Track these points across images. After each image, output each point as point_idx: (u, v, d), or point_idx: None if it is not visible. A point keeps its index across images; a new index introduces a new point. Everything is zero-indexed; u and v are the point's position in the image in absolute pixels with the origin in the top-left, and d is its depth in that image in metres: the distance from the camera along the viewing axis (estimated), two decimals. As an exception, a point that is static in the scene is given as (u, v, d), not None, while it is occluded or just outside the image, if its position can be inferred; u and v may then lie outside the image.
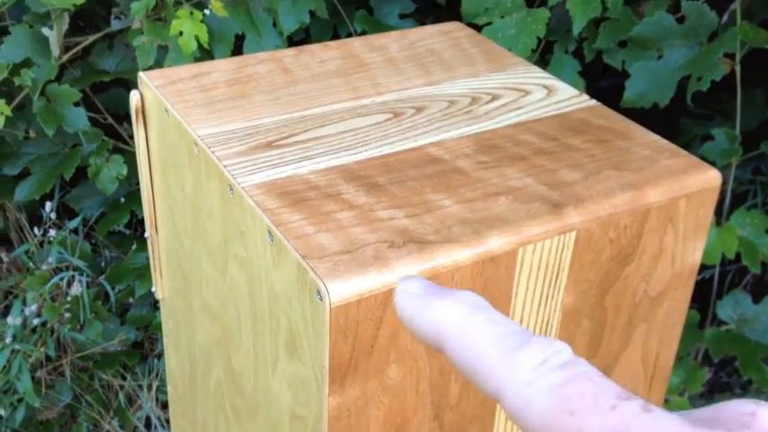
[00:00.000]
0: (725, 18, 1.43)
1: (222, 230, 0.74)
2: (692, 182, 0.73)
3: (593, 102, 0.84)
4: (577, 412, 0.24)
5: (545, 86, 0.87)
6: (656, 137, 0.79)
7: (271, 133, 0.76)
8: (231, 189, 0.69)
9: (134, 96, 0.84)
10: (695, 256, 0.77)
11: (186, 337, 0.93)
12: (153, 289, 0.98)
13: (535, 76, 0.89)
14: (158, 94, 0.80)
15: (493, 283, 0.65)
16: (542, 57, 1.52)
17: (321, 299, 0.58)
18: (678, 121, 1.73)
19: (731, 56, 1.32)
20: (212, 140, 0.74)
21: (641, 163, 0.74)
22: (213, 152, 0.72)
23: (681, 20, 1.37)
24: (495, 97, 0.84)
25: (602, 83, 1.76)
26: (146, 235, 0.94)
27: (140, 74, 0.83)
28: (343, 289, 0.58)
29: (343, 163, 0.72)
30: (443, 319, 0.28)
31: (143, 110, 0.84)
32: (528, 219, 0.66)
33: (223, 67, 0.86)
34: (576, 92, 0.86)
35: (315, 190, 0.68)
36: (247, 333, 0.74)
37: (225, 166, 0.71)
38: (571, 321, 0.72)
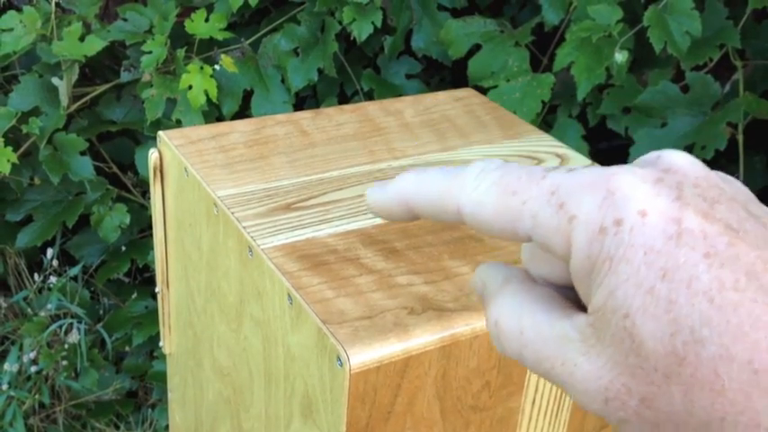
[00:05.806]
0: (727, 87, 1.46)
1: (238, 290, 0.74)
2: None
3: (605, 171, 0.85)
4: (518, 191, 0.28)
5: (557, 155, 0.88)
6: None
7: (290, 195, 0.77)
8: (250, 250, 0.70)
9: (153, 154, 0.85)
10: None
11: (193, 393, 0.92)
12: (161, 344, 0.98)
13: (547, 144, 0.90)
14: (178, 154, 0.82)
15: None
16: (544, 120, 1.54)
17: (341, 364, 0.59)
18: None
19: (733, 125, 1.34)
20: (232, 201, 0.75)
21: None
22: (233, 213, 0.73)
23: (684, 89, 1.39)
24: (508, 164, 0.85)
25: (601, 145, 1.78)
26: (156, 290, 0.94)
27: (160, 133, 0.84)
28: (364, 355, 0.59)
29: (362, 227, 0.73)
30: (400, 185, 0.33)
31: (161, 168, 0.85)
32: (544, 288, 0.67)
33: (242, 128, 0.87)
34: (587, 161, 0.87)
35: (334, 254, 0.69)
36: (260, 394, 0.74)
37: (244, 228, 0.71)
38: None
